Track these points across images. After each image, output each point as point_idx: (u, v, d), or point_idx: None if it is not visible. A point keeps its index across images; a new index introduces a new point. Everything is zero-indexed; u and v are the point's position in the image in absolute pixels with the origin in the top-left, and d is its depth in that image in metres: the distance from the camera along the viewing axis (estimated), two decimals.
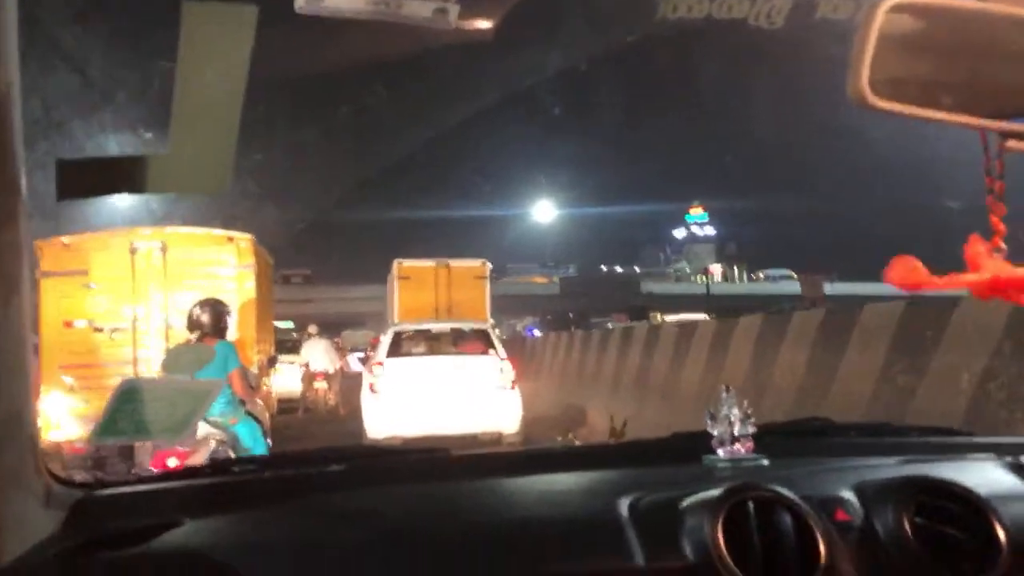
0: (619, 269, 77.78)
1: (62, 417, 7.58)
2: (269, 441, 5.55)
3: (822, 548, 1.02)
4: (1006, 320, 4.24)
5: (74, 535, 1.09)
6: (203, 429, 4.48)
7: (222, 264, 8.25)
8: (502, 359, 9.19)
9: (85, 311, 8.01)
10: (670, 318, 21.10)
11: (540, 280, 59.31)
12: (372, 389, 8.98)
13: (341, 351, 16.32)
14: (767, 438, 1.36)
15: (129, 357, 7.99)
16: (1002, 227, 0.87)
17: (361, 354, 14.81)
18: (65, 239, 7.96)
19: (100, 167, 1.09)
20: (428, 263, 13.28)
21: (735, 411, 1.32)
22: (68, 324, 7.89)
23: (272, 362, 8.90)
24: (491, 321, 11.66)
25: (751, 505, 1.05)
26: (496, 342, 9.65)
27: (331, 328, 22.56)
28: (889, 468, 1.23)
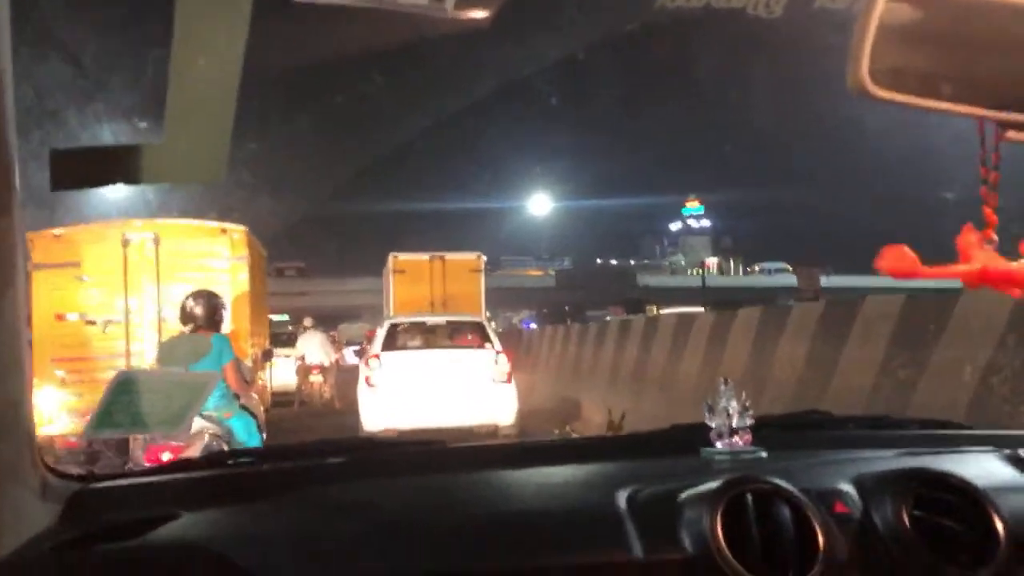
0: (614, 262, 77.89)
1: (54, 411, 7.55)
2: (264, 435, 5.54)
3: (821, 540, 1.02)
4: (1010, 312, 4.21)
5: (71, 528, 1.08)
6: (197, 423, 4.46)
7: (215, 256, 8.22)
8: (497, 352, 9.21)
9: (77, 304, 7.97)
10: (666, 311, 21.10)
11: (535, 273, 59.39)
12: (368, 382, 8.99)
13: (337, 344, 16.31)
14: (765, 431, 1.36)
15: (122, 350, 7.95)
16: (994, 218, 0.87)
17: (357, 347, 14.79)
18: (56, 231, 7.91)
19: (94, 157, 1.08)
20: (423, 256, 13.29)
21: (733, 404, 1.32)
22: (60, 317, 7.85)
23: (267, 355, 8.89)
24: (487, 314, 11.67)
25: (750, 497, 1.05)
26: (492, 335, 9.68)
27: (327, 321, 22.56)
28: (888, 460, 1.23)
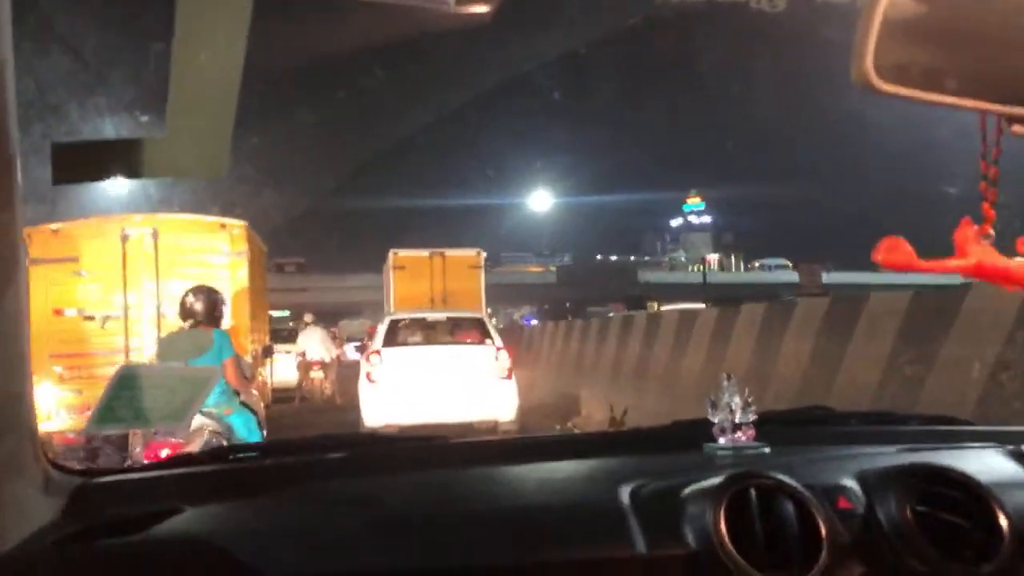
0: (614, 258, 77.87)
1: (52, 408, 7.50)
2: (265, 432, 5.53)
3: (824, 536, 1.02)
4: (1018, 309, 4.17)
5: (73, 522, 1.08)
6: (197, 420, 4.44)
7: (215, 251, 8.18)
8: (498, 348, 9.21)
9: (75, 299, 7.91)
10: (667, 308, 21.09)
11: (535, 269, 59.37)
12: (369, 378, 9.00)
13: (338, 340, 16.32)
14: (768, 426, 1.36)
15: (121, 346, 7.91)
16: (992, 213, 0.87)
17: (358, 343, 14.80)
18: (53, 226, 7.82)
19: (96, 151, 1.07)
20: (423, 252, 13.31)
21: (736, 399, 1.31)
22: (58, 312, 7.79)
23: (268, 352, 8.87)
24: (487, 310, 11.68)
25: (753, 493, 1.05)
26: (492, 331, 9.69)
27: (328, 317, 22.58)
28: (891, 456, 1.23)
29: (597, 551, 1.04)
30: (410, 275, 13.09)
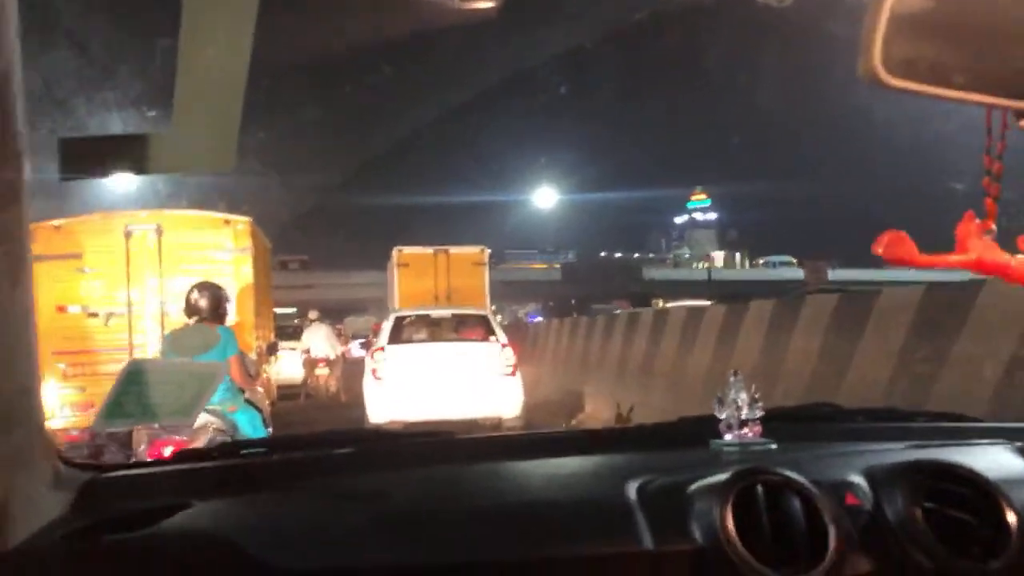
0: (618, 255, 77.78)
1: (56, 405, 7.48)
2: (270, 429, 5.53)
3: (831, 532, 1.01)
4: None
5: (82, 517, 1.08)
6: (201, 417, 4.43)
7: (219, 247, 8.14)
8: (503, 345, 9.22)
9: (79, 296, 7.87)
10: (671, 305, 21.07)
11: (539, 266, 59.34)
12: (374, 375, 9.02)
13: (343, 337, 16.34)
14: (775, 423, 1.36)
15: (125, 343, 7.87)
16: (995, 208, 0.87)
17: (363, 340, 14.83)
18: (57, 222, 7.76)
19: (103, 146, 1.08)
20: (427, 250, 13.32)
21: (743, 395, 1.31)
22: (61, 309, 7.74)
23: (272, 349, 8.85)
24: (492, 307, 11.68)
25: (760, 489, 1.05)
26: (497, 328, 9.69)
27: (333, 314, 22.58)
28: (898, 453, 1.23)
29: (603, 547, 1.04)
30: (414, 272, 13.10)
